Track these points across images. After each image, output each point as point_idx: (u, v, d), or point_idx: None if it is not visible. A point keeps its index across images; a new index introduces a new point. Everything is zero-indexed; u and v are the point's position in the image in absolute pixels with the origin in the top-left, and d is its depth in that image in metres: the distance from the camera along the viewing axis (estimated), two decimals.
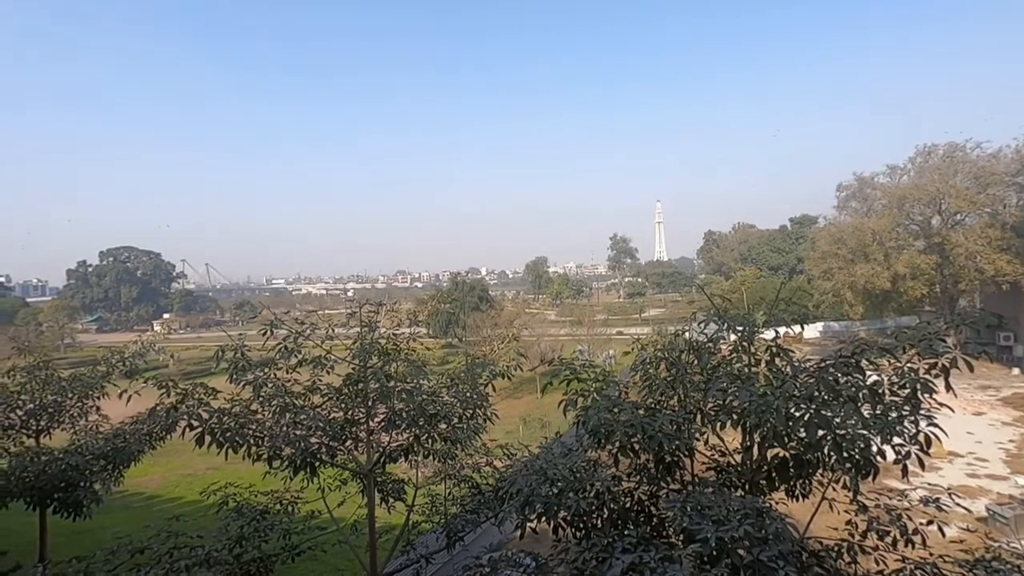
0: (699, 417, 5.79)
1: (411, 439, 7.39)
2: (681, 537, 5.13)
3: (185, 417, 6.36)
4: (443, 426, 7.52)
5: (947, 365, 4.78)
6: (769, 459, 5.42)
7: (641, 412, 5.76)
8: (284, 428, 7.03)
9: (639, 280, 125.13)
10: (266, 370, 7.55)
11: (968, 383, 31.56)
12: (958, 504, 5.52)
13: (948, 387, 4.77)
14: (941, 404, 4.94)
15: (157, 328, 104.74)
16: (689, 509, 4.71)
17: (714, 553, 4.18)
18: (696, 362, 5.92)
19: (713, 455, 6.36)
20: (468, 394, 7.82)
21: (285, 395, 7.31)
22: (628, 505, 5.74)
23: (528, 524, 6.03)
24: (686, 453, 5.74)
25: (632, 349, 6.63)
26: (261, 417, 7.12)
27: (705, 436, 5.94)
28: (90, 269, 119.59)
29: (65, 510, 10.77)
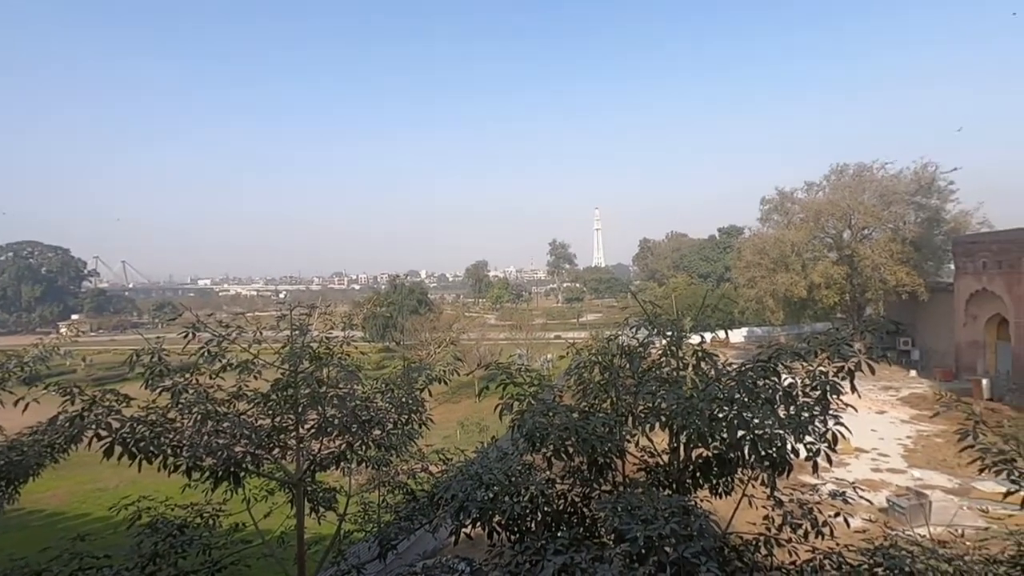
0: (630, 419, 5.96)
1: (343, 446, 7.18)
2: (612, 537, 5.27)
3: (92, 426, 5.88)
4: (377, 432, 7.36)
5: (852, 368, 5.18)
6: (694, 459, 5.67)
7: (575, 415, 5.87)
8: (205, 437, 6.64)
9: (577, 285, 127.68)
10: (187, 375, 7.12)
11: (872, 384, 34.26)
12: (862, 497, 5.99)
13: (854, 388, 5.16)
14: (847, 404, 5.34)
15: (63, 330, 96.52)
16: (620, 509, 4.84)
17: (642, 551, 4.31)
18: (628, 366, 6.11)
19: (643, 456, 6.57)
20: (403, 399, 7.70)
21: (207, 402, 6.91)
22: (561, 507, 5.83)
23: (463, 529, 5.99)
24: (618, 455, 5.89)
25: (568, 353, 6.75)
26: (180, 425, 6.69)
27: (636, 438, 6.13)
28: None
29: None
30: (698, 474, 5.67)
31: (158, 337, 7.65)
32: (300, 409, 7.20)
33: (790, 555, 5.45)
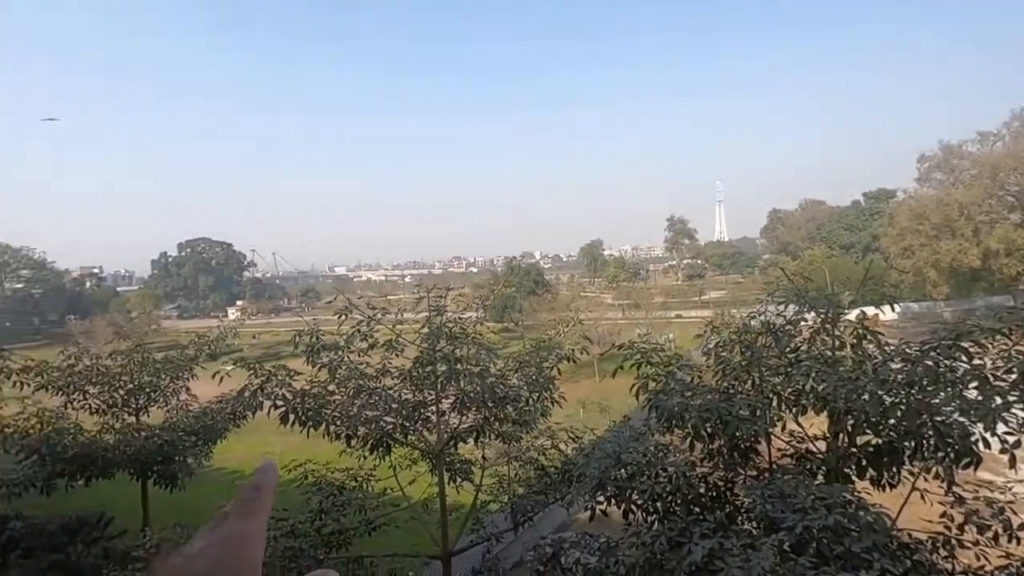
0: (776, 402, 5.58)
1: (480, 420, 7.54)
2: (756, 525, 5.00)
3: (271, 397, 6.74)
4: (511, 408, 7.62)
5: None
6: (859, 446, 5.17)
7: (715, 396, 5.63)
8: (359, 409, 7.34)
9: (698, 262, 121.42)
10: (340, 353, 7.88)
11: None
12: None
13: None
14: None
15: (235, 314, 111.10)
16: (769, 496, 4.58)
17: (800, 542, 4.05)
18: (774, 345, 5.70)
19: (791, 442, 6.14)
20: (535, 377, 7.88)
21: (359, 377, 7.62)
22: (703, 491, 5.64)
23: (598, 507, 6.04)
24: (762, 439, 5.57)
25: (705, 332, 6.45)
26: (337, 398, 7.45)
27: (783, 422, 5.74)
28: (170, 259, 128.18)
29: (163, 482, 11.72)
30: (863, 463, 5.16)
31: (313, 319, 8.53)
32: (439, 385, 7.66)
33: (978, 559, 4.81)
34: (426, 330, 7.75)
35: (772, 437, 5.79)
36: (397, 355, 8.16)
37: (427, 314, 7.88)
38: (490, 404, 7.28)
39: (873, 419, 4.50)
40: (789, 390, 5.50)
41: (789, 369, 5.32)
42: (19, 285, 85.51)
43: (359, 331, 7.48)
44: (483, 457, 9.24)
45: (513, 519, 8.61)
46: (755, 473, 5.71)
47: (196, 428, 11.74)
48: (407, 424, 7.42)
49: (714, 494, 5.65)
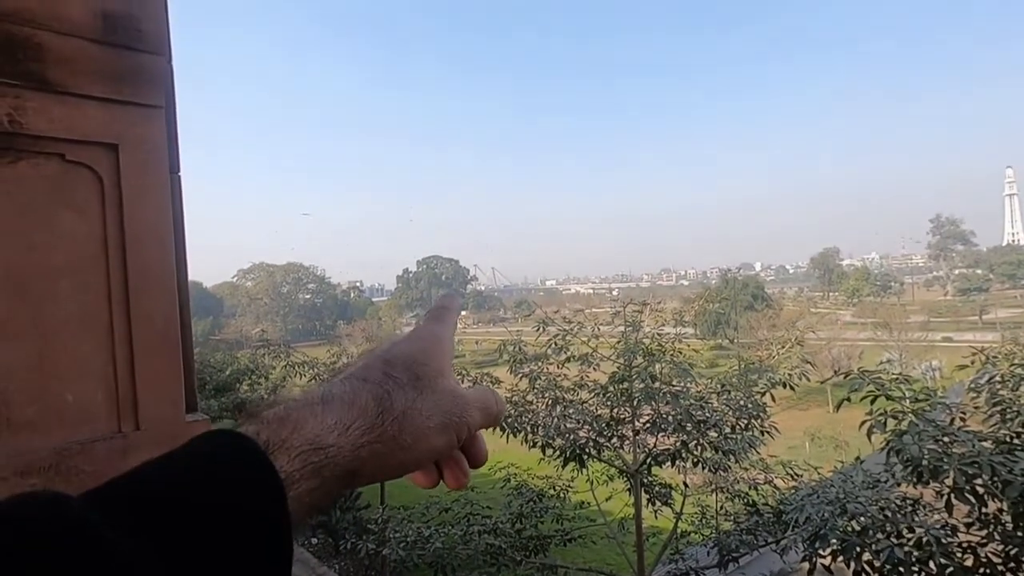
0: None
1: (678, 443, 7.10)
2: None
3: None
4: (713, 434, 7.02)
5: None
6: None
7: (987, 445, 4.40)
8: (555, 419, 7.52)
9: (977, 272, 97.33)
10: (540, 364, 8.21)
11: None
12: None
13: None
14: None
15: (457, 324, 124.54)
16: None
17: None
18: None
19: None
20: (741, 402, 7.14)
21: (556, 388, 7.83)
22: (970, 565, 4.44)
23: (820, 560, 5.20)
24: None
25: (973, 361, 5.10)
26: (535, 408, 7.75)
27: None
28: (410, 275, 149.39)
29: None
30: None
31: (518, 330, 9.06)
32: (635, 403, 7.44)
33: None
34: (622, 345, 7.62)
35: None
36: (594, 369, 8.19)
37: (623, 328, 7.76)
38: (687, 427, 6.80)
39: None
40: None
41: None
42: (307, 296, 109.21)
43: (555, 343, 7.70)
44: (684, 483, 8.68)
45: (720, 555, 7.89)
46: None
47: None
48: (601, 439, 7.36)
49: (987, 572, 4.39)
